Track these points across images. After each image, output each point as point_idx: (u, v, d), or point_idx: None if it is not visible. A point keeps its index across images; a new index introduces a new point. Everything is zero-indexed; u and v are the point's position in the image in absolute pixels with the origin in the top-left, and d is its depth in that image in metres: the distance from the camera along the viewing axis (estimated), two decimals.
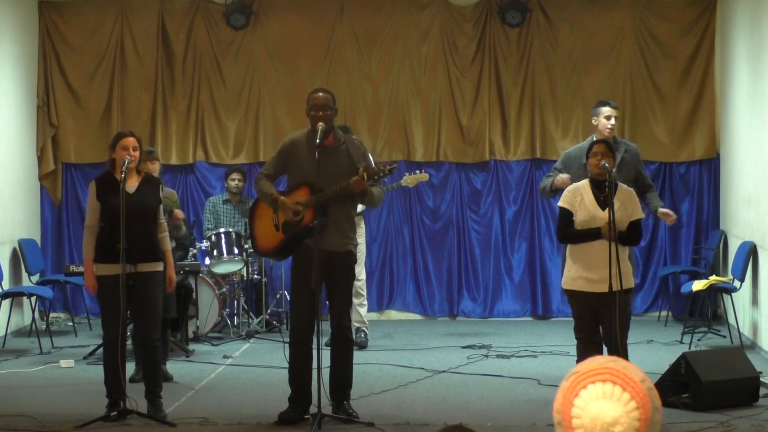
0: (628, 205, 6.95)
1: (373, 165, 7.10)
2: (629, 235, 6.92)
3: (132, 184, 7.09)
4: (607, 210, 6.80)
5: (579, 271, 6.89)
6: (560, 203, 7.10)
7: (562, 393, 2.09)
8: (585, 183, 7.01)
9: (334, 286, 7.01)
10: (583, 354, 6.94)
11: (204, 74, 11.79)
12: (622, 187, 7.07)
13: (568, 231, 6.99)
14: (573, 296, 7.01)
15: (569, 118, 11.65)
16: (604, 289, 6.69)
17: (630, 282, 7.01)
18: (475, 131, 11.75)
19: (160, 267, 7.12)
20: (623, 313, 6.88)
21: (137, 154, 7.07)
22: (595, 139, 7.93)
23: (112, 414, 6.92)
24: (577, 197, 6.97)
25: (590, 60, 11.64)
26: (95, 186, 7.11)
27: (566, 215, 7.00)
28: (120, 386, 6.93)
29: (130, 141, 7.05)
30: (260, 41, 11.74)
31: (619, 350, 6.72)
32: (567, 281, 7.02)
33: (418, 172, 9.78)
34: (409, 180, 9.66)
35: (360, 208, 9.49)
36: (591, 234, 6.85)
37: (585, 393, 2.04)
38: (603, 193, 6.84)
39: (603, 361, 2.08)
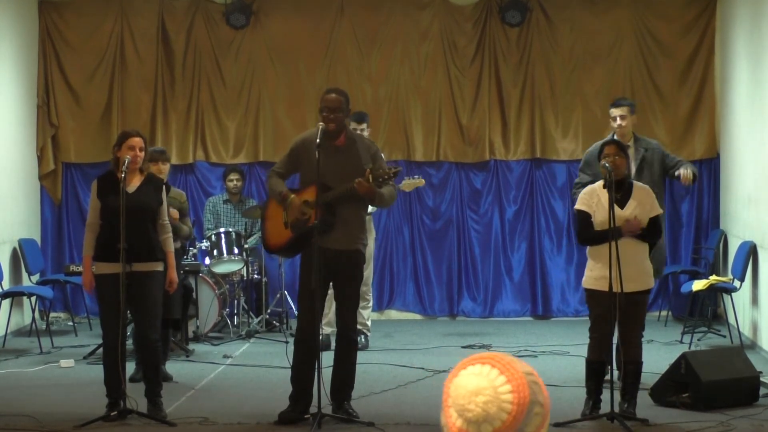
0: (645, 202, 6.95)
1: (384, 165, 7.09)
2: (648, 232, 6.93)
3: (133, 184, 7.11)
4: (625, 208, 6.86)
5: (601, 271, 6.84)
6: (577, 206, 7.09)
7: (447, 379, 2.08)
8: (600, 184, 7.00)
9: (341, 285, 7.01)
10: (595, 353, 6.93)
11: (204, 74, 11.79)
12: (638, 185, 7.08)
13: (588, 233, 6.97)
14: (593, 295, 6.95)
15: (569, 117, 11.65)
16: (627, 288, 6.66)
17: (648, 282, 7.00)
18: (475, 131, 11.75)
19: (158, 267, 7.12)
20: (640, 313, 6.89)
21: (143, 154, 7.10)
22: (615, 137, 7.97)
23: (112, 414, 6.93)
24: (594, 199, 6.96)
25: (590, 60, 11.64)
26: (97, 184, 7.15)
27: (584, 218, 6.98)
28: (120, 386, 6.93)
29: (137, 141, 7.08)
30: (260, 41, 11.74)
31: (614, 352, 6.73)
32: (589, 280, 6.98)
33: (416, 177, 9.71)
34: (406, 185, 9.60)
35: (370, 209, 9.49)
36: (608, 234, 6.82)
37: (463, 372, 2.04)
38: (618, 193, 6.87)
39: (494, 353, 2.08)
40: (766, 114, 9.44)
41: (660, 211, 7.05)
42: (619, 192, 6.89)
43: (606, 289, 6.76)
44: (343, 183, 6.87)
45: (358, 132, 8.71)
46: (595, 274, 6.92)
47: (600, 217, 6.88)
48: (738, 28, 10.67)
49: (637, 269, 6.83)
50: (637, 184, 7.10)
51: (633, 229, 6.81)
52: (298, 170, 7.16)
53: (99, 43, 11.73)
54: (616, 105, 8.33)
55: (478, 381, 2.00)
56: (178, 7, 11.79)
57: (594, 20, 11.64)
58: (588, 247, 7.07)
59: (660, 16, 11.59)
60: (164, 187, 7.36)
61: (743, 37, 10.43)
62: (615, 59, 11.61)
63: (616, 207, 6.83)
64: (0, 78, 10.74)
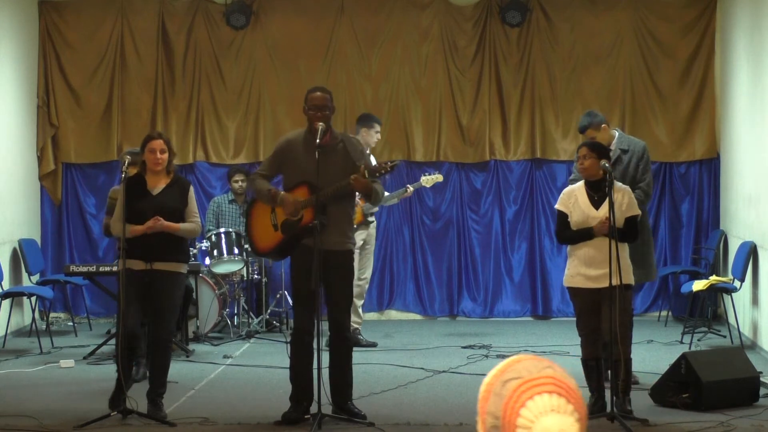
0: (621, 202, 7.05)
1: (374, 163, 7.12)
2: (621, 233, 6.98)
3: (159, 186, 7.17)
4: (600, 209, 6.98)
5: (577, 268, 7.04)
6: (556, 206, 7.32)
7: (502, 399, 2.04)
8: (580, 185, 7.22)
9: (333, 286, 6.98)
10: (587, 351, 7.00)
11: (204, 74, 11.79)
12: (617, 185, 7.16)
13: (565, 233, 7.14)
14: (573, 293, 7.17)
15: (569, 118, 11.64)
16: (603, 284, 6.81)
17: (629, 278, 7.05)
18: (475, 131, 11.75)
19: (179, 269, 7.16)
20: (623, 310, 6.92)
21: (165, 156, 7.12)
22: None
23: (112, 414, 6.94)
24: (572, 199, 7.16)
25: (590, 60, 11.64)
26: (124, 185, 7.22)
27: (562, 217, 7.18)
28: (128, 382, 6.98)
29: (156, 144, 7.13)
30: (260, 41, 11.74)
31: (613, 346, 6.74)
32: (567, 278, 7.18)
33: (435, 173, 10.04)
34: (425, 181, 9.99)
35: (372, 208, 9.65)
36: (585, 234, 7.00)
37: (532, 404, 2.00)
38: (597, 194, 7.03)
39: (542, 366, 2.04)
40: (766, 114, 9.44)
41: (636, 212, 7.14)
42: (598, 192, 7.02)
43: (583, 285, 6.97)
44: (335, 182, 6.86)
45: (377, 136, 9.55)
46: (571, 272, 7.10)
47: (575, 217, 7.07)
48: (738, 29, 10.67)
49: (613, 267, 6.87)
50: (616, 184, 7.17)
51: (604, 230, 6.87)
52: (282, 172, 7.13)
53: (99, 43, 11.73)
54: (581, 131, 8.18)
55: (561, 422, 2.00)
56: (178, 7, 11.79)
57: (594, 20, 11.64)
58: (568, 246, 7.20)
59: (660, 17, 11.59)
60: (191, 188, 7.35)
61: (743, 37, 10.43)
62: (615, 59, 11.61)
63: (591, 208, 7.02)
64: (0, 78, 10.75)
